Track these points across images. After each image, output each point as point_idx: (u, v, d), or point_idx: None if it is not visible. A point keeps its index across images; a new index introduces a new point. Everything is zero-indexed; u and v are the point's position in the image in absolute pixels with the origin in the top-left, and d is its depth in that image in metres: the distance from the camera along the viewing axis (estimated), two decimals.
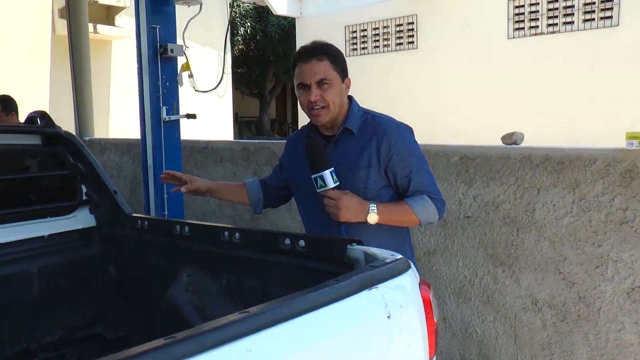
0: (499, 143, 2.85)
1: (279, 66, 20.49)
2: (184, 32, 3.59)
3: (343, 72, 1.99)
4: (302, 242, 1.74)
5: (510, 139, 2.66)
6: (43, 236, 2.48)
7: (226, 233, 1.99)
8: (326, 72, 1.91)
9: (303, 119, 12.70)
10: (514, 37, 8.67)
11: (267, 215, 3.88)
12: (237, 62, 16.92)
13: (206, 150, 4.27)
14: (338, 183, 1.86)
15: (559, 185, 2.52)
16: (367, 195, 1.93)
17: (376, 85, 10.39)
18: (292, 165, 2.16)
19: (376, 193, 1.96)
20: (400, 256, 1.47)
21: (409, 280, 1.38)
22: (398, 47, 10.51)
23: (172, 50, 3.36)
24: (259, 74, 20.59)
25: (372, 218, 1.87)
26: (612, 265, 2.41)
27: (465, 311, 2.88)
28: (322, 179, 1.86)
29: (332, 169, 1.86)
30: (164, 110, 3.42)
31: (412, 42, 10.26)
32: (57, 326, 2.53)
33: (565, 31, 8.16)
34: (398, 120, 2.04)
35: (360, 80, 11.99)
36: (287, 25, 16.11)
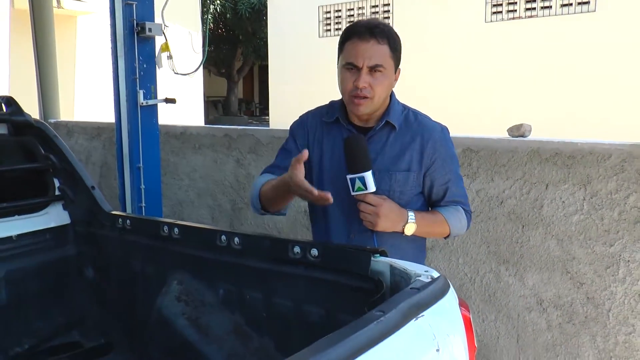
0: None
1: (247, 45, 20.07)
2: (163, 10, 3.32)
3: (398, 62, 1.72)
4: (314, 251, 1.55)
5: (518, 131, 2.52)
6: (11, 236, 2.23)
7: (223, 237, 1.79)
8: (383, 58, 1.64)
9: (273, 100, 12.43)
10: (491, 21, 8.59)
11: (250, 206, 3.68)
12: (205, 40, 16.46)
13: (183, 135, 4.02)
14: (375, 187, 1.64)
15: (569, 181, 2.40)
16: (401, 201, 1.73)
17: None
18: (314, 155, 1.82)
19: (410, 200, 1.76)
20: (436, 273, 1.31)
21: (451, 302, 1.22)
22: None
23: (150, 30, 3.09)
24: (227, 53, 20.15)
25: (410, 229, 1.68)
26: (624, 265, 2.31)
27: None
28: (362, 182, 1.62)
29: (372, 170, 1.64)
30: (140, 94, 3.16)
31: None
32: (28, 335, 2.30)
33: (543, 16, 8.12)
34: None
35: (334, 63, 11.72)
36: (258, 4, 15.72)
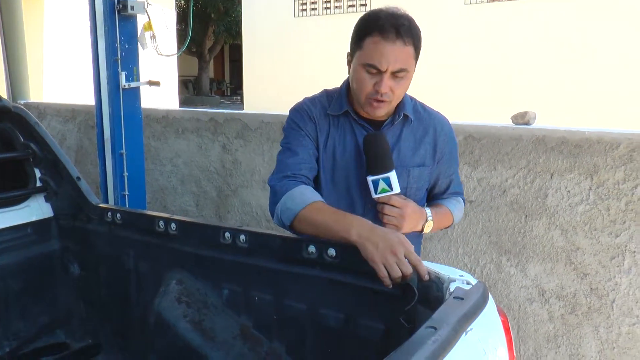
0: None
1: (219, 24, 19.63)
2: None
3: (418, 59, 1.54)
4: (332, 251, 1.45)
5: (523, 119, 2.45)
6: None
7: (227, 234, 1.67)
8: (408, 61, 1.46)
9: (247, 81, 12.17)
10: (471, 3, 8.52)
11: (238, 193, 3.55)
12: (177, 19, 16.08)
13: (166, 119, 3.84)
14: None
15: (575, 171, 2.34)
16: (417, 198, 1.64)
17: (325, 49, 9.97)
18: (327, 151, 1.64)
19: (423, 195, 1.69)
20: (472, 277, 1.22)
21: (493, 311, 1.14)
22: (350, 10, 10.15)
23: (132, 8, 2.90)
24: (198, 31, 19.67)
25: (429, 227, 1.60)
26: (629, 256, 2.27)
27: None
28: (387, 183, 1.50)
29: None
30: (122, 76, 2.98)
31: (365, 5, 9.94)
32: (8, 337, 2.14)
33: None
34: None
35: (309, 44, 11.57)
36: None
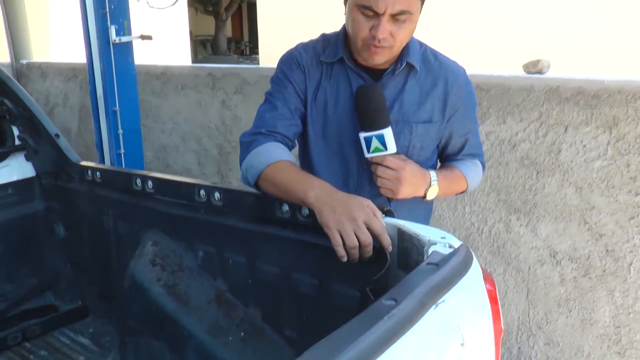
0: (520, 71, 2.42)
1: None
2: None
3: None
4: (305, 210, 1.31)
5: (535, 67, 2.25)
6: None
7: (202, 192, 1.55)
8: (410, 2, 1.26)
9: (262, 39, 11.89)
10: None
11: (239, 150, 3.41)
12: None
13: (165, 76, 3.71)
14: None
15: (592, 123, 2.15)
16: (421, 158, 1.45)
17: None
18: (317, 103, 1.46)
19: (429, 155, 1.49)
20: (455, 240, 1.08)
21: (476, 279, 0.99)
22: None
23: None
24: None
25: (433, 192, 1.41)
26: None
27: None
28: (380, 141, 1.32)
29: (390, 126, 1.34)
30: (112, 30, 2.83)
31: None
32: None
33: None
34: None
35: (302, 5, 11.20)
36: None
